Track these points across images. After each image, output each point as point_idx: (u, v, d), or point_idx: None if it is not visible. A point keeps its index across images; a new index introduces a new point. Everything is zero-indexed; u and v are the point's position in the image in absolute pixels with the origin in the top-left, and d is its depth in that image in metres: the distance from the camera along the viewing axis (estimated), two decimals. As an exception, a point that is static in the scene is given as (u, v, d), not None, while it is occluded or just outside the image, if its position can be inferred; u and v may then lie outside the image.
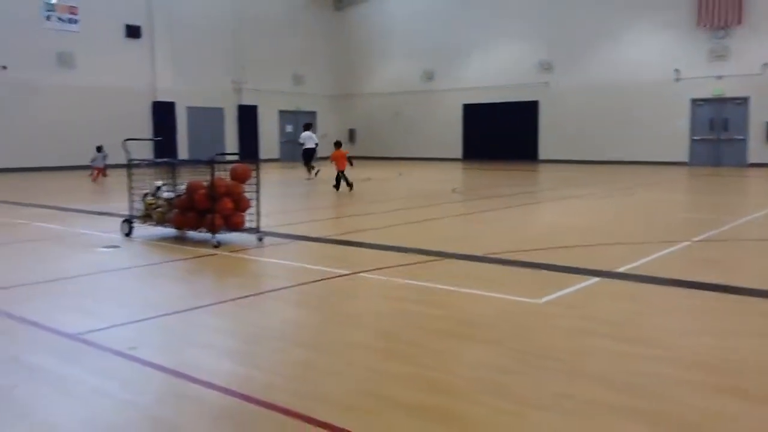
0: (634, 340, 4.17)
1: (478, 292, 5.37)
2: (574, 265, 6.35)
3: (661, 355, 3.91)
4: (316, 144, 20.40)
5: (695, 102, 24.73)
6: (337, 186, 15.14)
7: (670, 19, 24.79)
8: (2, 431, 2.95)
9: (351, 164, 15.58)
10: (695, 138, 24.82)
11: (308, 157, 19.78)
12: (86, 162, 22.12)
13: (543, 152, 28.44)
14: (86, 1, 25.04)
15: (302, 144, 20.23)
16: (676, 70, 24.75)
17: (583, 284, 5.64)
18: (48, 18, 24.20)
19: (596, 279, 5.84)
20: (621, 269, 6.19)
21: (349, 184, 15.03)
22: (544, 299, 5.11)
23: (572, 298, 5.20)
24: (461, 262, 6.73)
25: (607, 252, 7.37)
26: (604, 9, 26.05)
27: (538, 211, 12.03)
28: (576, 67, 27.06)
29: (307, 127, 20.94)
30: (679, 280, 5.77)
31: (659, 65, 25.00)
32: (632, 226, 9.52)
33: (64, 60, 24.65)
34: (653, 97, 25.26)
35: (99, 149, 20.72)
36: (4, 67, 23.18)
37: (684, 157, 24.93)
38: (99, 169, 20.26)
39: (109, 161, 20.99)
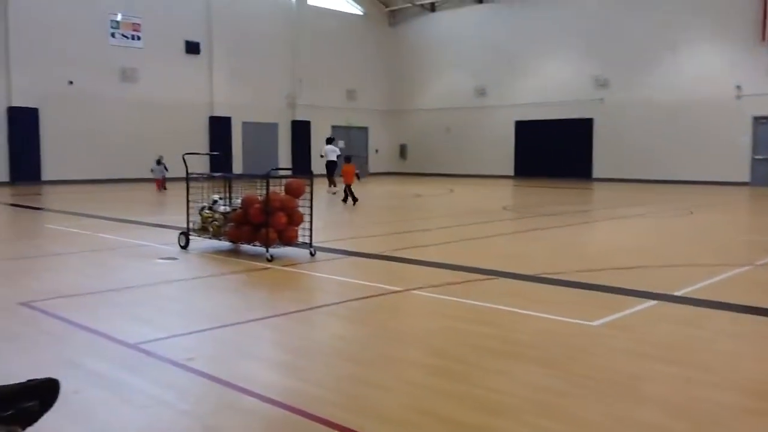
0: (690, 365, 4.07)
1: (530, 312, 5.33)
2: (630, 288, 6.23)
3: (719, 381, 3.81)
4: (338, 157, 21.18)
5: (758, 120, 23.98)
6: (345, 199, 15.47)
7: (731, 33, 24.17)
8: (66, 435, 3.07)
9: (358, 178, 15.94)
10: (757, 157, 24.05)
11: (330, 170, 20.36)
12: (146, 175, 23.05)
13: (597, 170, 28.01)
14: (149, 18, 25.93)
15: (322, 156, 21.09)
16: (738, 87, 24.08)
17: (638, 307, 5.53)
18: (113, 35, 25.15)
19: (653, 302, 5.71)
20: (679, 292, 6.05)
21: (355, 199, 15.38)
22: (598, 321, 5.03)
23: (627, 321, 5.10)
24: (513, 281, 6.68)
25: (665, 274, 7.21)
26: (662, 23, 25.59)
27: (592, 230, 11.84)
28: (632, 84, 26.61)
29: (329, 141, 21.61)
30: (740, 305, 5.60)
31: (720, 81, 24.37)
32: (691, 248, 9.29)
33: (128, 75, 25.54)
34: (713, 114, 24.64)
35: (158, 161, 21.55)
36: (71, 82, 24.15)
37: (745, 177, 24.18)
38: (158, 181, 21.11)
39: (168, 174, 21.68)
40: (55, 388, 1.98)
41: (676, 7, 25.17)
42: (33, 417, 1.94)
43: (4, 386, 1.94)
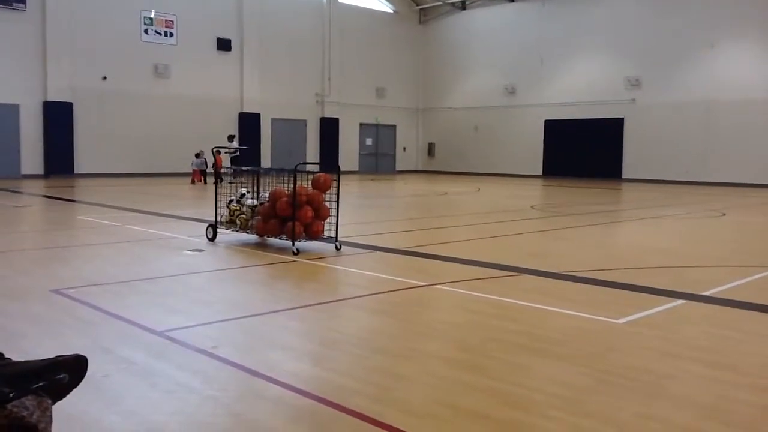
0: (719, 365, 4.01)
1: (555, 309, 5.29)
2: (657, 287, 6.15)
3: (749, 382, 3.74)
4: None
5: (795, 121, 23.50)
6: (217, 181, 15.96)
7: (768, 34, 23.70)
8: (95, 415, 3.13)
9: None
10: (793, 159, 23.57)
11: (236, 162, 21.77)
12: (177, 169, 23.68)
13: (627, 171, 27.68)
14: (182, 15, 26.23)
15: (233, 151, 22.32)
16: (775, 88, 23.61)
17: (665, 306, 5.46)
18: (146, 32, 25.49)
19: (680, 301, 5.64)
20: (707, 292, 5.96)
21: (221, 179, 16.38)
22: (624, 319, 4.98)
23: (653, 320, 5.04)
24: (539, 278, 6.64)
25: (693, 274, 7.11)
26: (698, 22, 25.18)
27: (620, 230, 11.71)
28: (666, 84, 26.24)
29: (231, 138, 23.45)
30: (771, 306, 5.50)
31: (757, 82, 23.90)
32: (721, 250, 9.14)
33: (160, 71, 25.87)
34: (750, 115, 24.17)
35: (198, 155, 22.52)
36: (105, 78, 24.54)
37: (781, 179, 23.72)
38: (195, 173, 22.26)
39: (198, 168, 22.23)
40: (83, 363, 2.03)
41: (713, 5, 24.75)
42: (63, 390, 2.00)
43: (34, 361, 2.00)
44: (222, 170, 17.54)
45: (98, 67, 24.36)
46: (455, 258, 7.71)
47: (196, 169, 22.46)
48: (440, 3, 33.49)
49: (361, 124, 33.08)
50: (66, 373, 1.95)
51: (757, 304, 5.55)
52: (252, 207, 8.66)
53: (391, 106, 34.10)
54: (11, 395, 1.78)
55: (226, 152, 22.31)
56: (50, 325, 4.68)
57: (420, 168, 35.58)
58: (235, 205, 8.84)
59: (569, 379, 3.71)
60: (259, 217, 8.38)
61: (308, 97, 30.74)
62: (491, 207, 15.44)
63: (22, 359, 2.10)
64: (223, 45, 27.53)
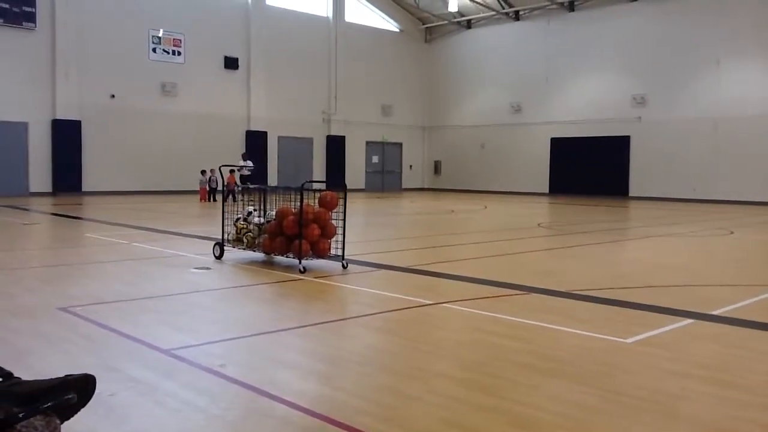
0: (728, 384, 3.98)
1: (563, 328, 5.27)
2: (665, 306, 6.12)
3: (758, 401, 3.71)
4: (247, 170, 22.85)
5: (801, 139, 23.44)
6: (231, 197, 16.46)
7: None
8: (102, 435, 3.13)
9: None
10: (800, 177, 23.49)
11: (244, 180, 22.23)
12: (184, 186, 23.90)
13: (634, 188, 27.64)
14: (189, 34, 26.48)
15: (249, 170, 22.68)
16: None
17: (674, 325, 5.43)
18: (154, 50, 25.73)
19: (689, 320, 5.60)
20: (716, 311, 5.92)
21: (235, 198, 16.60)
22: (632, 339, 4.95)
23: (662, 339, 5.01)
24: (546, 297, 6.62)
25: (702, 293, 7.07)
26: (703, 40, 25.24)
27: (628, 248, 11.67)
28: (672, 101, 26.27)
29: (245, 157, 23.77)
30: (780, 326, 5.46)
31: (764, 98, 23.89)
32: (730, 268, 9.09)
33: (168, 89, 26.08)
34: (757, 132, 24.13)
35: (203, 172, 22.80)
36: (113, 96, 24.74)
37: (788, 197, 23.63)
38: (202, 190, 22.56)
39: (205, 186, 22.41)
40: (91, 383, 2.04)
41: (718, 22, 24.83)
42: (71, 409, 2.01)
43: (43, 380, 2.01)
44: (235, 187, 17.75)
45: (106, 86, 24.57)
46: (462, 276, 7.70)
47: (203, 187, 22.70)
48: (446, 22, 33.72)
49: (367, 142, 33.20)
50: (74, 392, 1.95)
51: (766, 324, 5.51)
52: (259, 225, 8.68)
53: (397, 124, 34.24)
54: (20, 415, 1.79)
55: (239, 171, 22.40)
56: (58, 343, 4.69)
57: (426, 186, 35.63)
58: (242, 223, 8.86)
59: (576, 398, 3.69)
60: (266, 235, 8.40)
61: (315, 115, 30.90)
62: (498, 225, 15.43)
63: (30, 377, 2.11)
64: (231, 63, 27.76)
